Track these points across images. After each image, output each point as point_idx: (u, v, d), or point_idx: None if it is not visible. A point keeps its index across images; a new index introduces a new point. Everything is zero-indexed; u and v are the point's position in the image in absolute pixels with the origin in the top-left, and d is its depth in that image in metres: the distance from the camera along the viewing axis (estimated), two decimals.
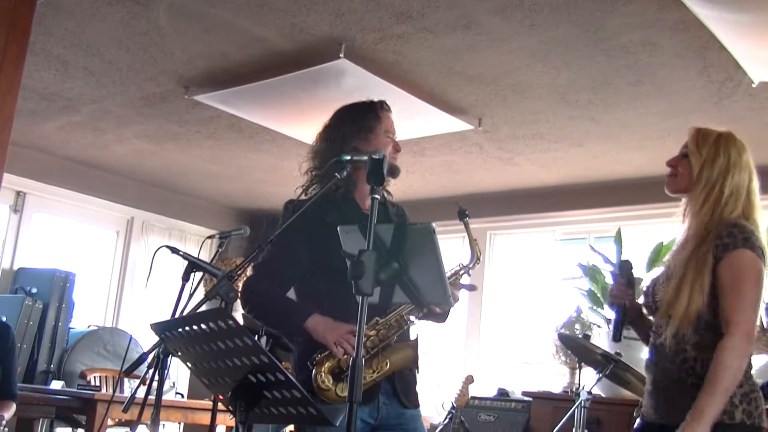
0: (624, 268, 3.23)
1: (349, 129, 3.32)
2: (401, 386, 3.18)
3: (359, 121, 3.34)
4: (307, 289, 3.23)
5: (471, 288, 3.21)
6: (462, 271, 3.17)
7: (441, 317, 3.25)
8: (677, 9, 4.31)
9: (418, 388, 3.31)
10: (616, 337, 3.19)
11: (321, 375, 3.00)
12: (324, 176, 3.14)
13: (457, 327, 8.18)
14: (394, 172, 3.28)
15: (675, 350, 2.84)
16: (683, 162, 3.05)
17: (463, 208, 3.12)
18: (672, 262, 2.97)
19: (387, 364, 3.06)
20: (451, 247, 7.32)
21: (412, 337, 3.18)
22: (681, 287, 2.80)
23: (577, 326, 6.29)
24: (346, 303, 2.69)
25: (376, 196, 2.54)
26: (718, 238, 2.80)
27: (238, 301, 2.95)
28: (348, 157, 2.77)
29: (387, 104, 3.45)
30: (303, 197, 3.27)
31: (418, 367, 3.12)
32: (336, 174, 2.79)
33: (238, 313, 5.81)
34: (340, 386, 2.98)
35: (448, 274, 2.85)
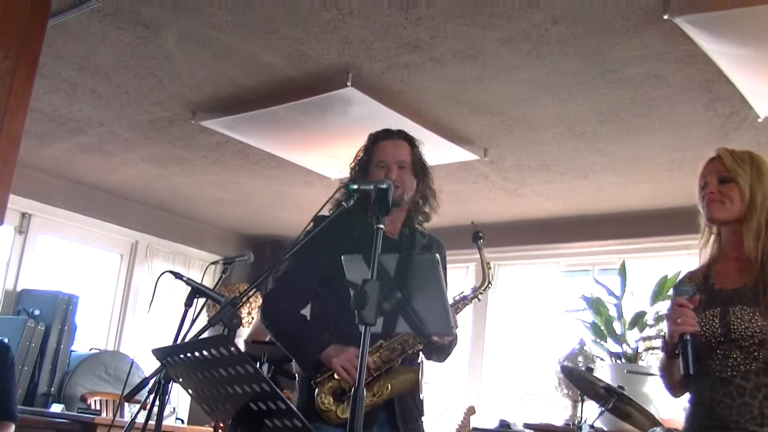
0: (685, 292, 2.78)
1: (354, 164, 3.43)
2: (401, 414, 3.15)
3: (359, 157, 3.44)
4: (322, 305, 3.26)
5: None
6: (469, 299, 3.16)
7: (442, 355, 3.25)
8: (683, 42, 4.32)
9: (423, 419, 3.27)
10: (690, 369, 2.67)
11: (322, 396, 3.06)
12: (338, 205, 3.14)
13: (459, 357, 8.14)
14: (395, 203, 3.26)
15: (757, 383, 2.64)
16: (726, 187, 2.82)
17: (478, 231, 3.09)
18: (741, 293, 2.76)
19: (388, 388, 3.05)
20: (455, 277, 7.31)
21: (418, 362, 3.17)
22: None
23: (580, 359, 6.25)
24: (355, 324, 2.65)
25: (381, 226, 2.54)
26: None
27: (242, 327, 2.96)
28: (355, 186, 2.77)
29: (387, 132, 3.46)
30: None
31: (419, 393, 3.08)
32: (343, 203, 2.79)
33: (241, 340, 5.80)
34: (341, 408, 3.00)
35: (453, 301, 2.87)
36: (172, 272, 3.85)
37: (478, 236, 3.08)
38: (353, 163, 3.44)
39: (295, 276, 3.26)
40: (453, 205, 7.54)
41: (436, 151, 6.07)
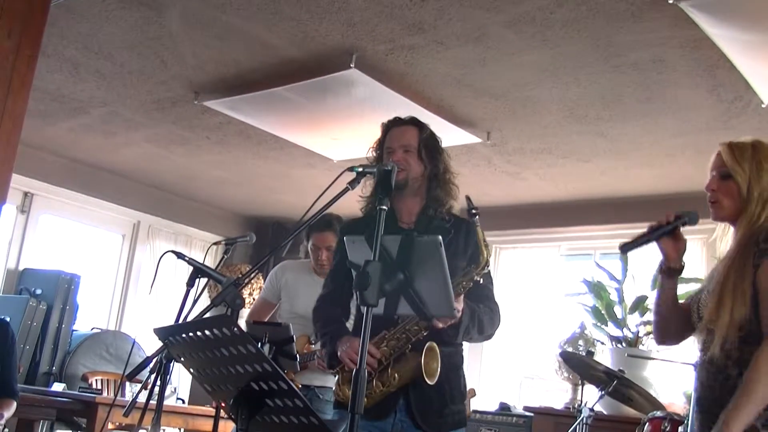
0: (690, 218, 2.91)
1: (371, 155, 3.53)
2: (418, 405, 3.14)
3: (375, 148, 3.52)
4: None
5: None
6: (467, 280, 3.12)
7: (477, 335, 3.23)
8: (689, 27, 4.31)
9: (456, 408, 3.24)
10: (626, 246, 2.92)
11: (338, 386, 3.21)
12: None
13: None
14: (398, 185, 3.25)
15: (718, 367, 2.69)
16: (725, 184, 2.86)
17: (473, 206, 3.06)
18: (713, 275, 2.85)
19: (396, 377, 3.06)
20: None
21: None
22: (722, 297, 2.67)
23: (580, 343, 6.27)
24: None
25: (383, 206, 2.55)
26: (756, 244, 2.69)
27: (243, 308, 2.97)
28: (360, 169, 2.78)
29: (396, 119, 3.52)
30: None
31: (424, 377, 3.05)
32: (348, 185, 2.79)
33: (242, 321, 5.81)
34: None
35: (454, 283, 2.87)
36: (174, 252, 3.85)
37: (472, 212, 3.03)
38: (371, 152, 3.53)
39: (332, 291, 3.47)
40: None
41: (439, 133, 6.04)
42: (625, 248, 2.93)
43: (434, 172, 3.41)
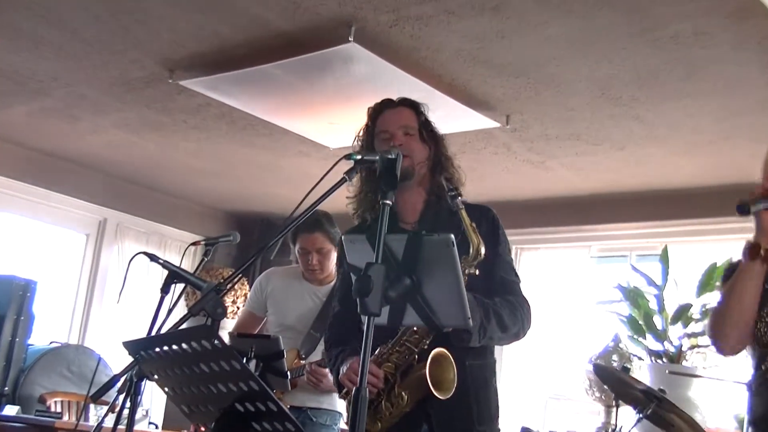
0: None
1: (359, 144, 3.48)
2: (439, 428, 3.12)
3: (361, 137, 3.49)
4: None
5: None
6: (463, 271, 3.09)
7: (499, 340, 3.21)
8: None
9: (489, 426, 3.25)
10: (745, 206, 2.80)
11: (347, 412, 3.29)
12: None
13: None
14: (405, 174, 3.25)
15: None
16: None
17: (451, 186, 3.09)
18: None
19: (404, 396, 3.06)
20: None
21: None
22: None
23: (614, 357, 6.28)
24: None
25: (387, 201, 2.56)
26: None
27: (226, 318, 2.99)
28: (359, 156, 2.77)
29: (387, 101, 3.51)
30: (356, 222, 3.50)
31: (430, 388, 3.01)
32: (345, 175, 2.79)
33: (225, 333, 5.83)
34: (376, 424, 3.05)
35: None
36: (146, 254, 3.88)
37: (452, 194, 3.06)
38: (356, 142, 3.48)
39: (339, 304, 3.50)
40: (468, 179, 7.49)
41: (451, 117, 6.08)
42: (744, 208, 2.80)
43: (438, 157, 3.42)
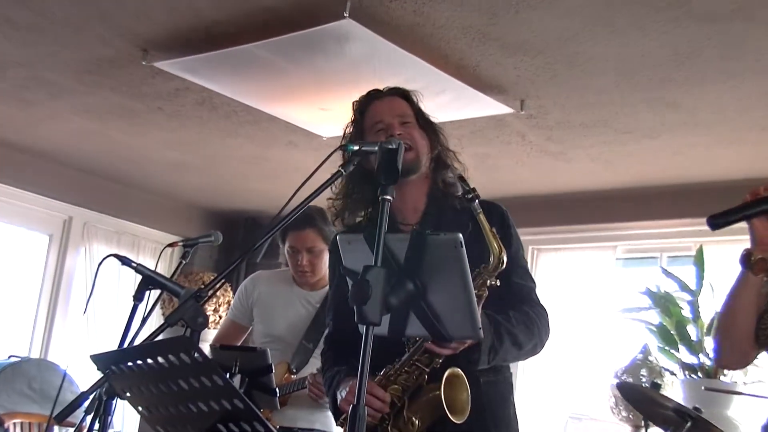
0: None
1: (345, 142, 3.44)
2: None
3: (348, 133, 3.53)
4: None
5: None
6: (485, 280, 3.11)
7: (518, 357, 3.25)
8: None
9: None
10: (715, 221, 2.96)
11: None
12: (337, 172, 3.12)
13: None
14: (409, 168, 3.27)
15: None
16: None
17: (468, 187, 3.10)
18: None
19: (415, 421, 3.06)
20: None
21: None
22: None
23: (642, 372, 6.30)
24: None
25: (387, 197, 2.56)
26: None
27: (207, 328, 2.99)
28: (356, 147, 2.78)
29: (375, 92, 3.56)
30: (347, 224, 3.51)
31: (446, 411, 3.02)
32: (340, 168, 2.80)
33: (206, 345, 5.84)
34: None
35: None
36: (116, 256, 3.88)
37: (468, 196, 3.07)
38: (344, 141, 3.46)
39: (334, 314, 3.54)
40: (479, 173, 7.51)
41: (459, 102, 6.08)
42: (717, 222, 2.93)
43: (438, 149, 3.45)
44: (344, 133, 3.53)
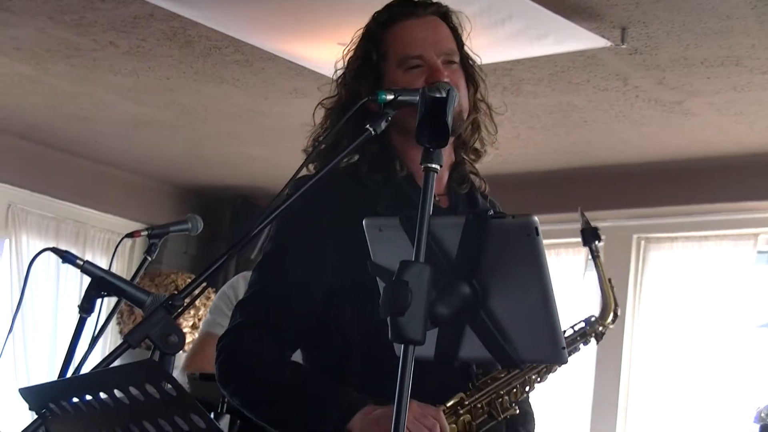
0: None
1: (348, 72, 3.42)
2: None
3: (354, 58, 3.41)
4: (326, 336, 3.23)
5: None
6: (580, 337, 3.18)
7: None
8: None
9: None
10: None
11: None
12: (342, 136, 3.11)
13: (582, 391, 8.34)
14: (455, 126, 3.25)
15: None
16: None
17: (593, 226, 3.15)
18: None
19: None
20: (564, 262, 7.33)
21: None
22: None
23: None
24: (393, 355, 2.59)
25: (433, 165, 2.53)
26: None
27: (181, 352, 2.99)
28: (390, 96, 2.76)
29: (408, 5, 3.39)
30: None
31: None
32: (369, 127, 2.78)
33: (179, 372, 5.88)
34: None
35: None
36: (55, 251, 3.90)
37: (593, 236, 3.11)
38: (343, 70, 3.44)
39: (278, 294, 3.23)
40: (562, 129, 7.50)
41: (533, 31, 6.08)
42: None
43: (478, 105, 3.41)
44: (346, 59, 3.43)
